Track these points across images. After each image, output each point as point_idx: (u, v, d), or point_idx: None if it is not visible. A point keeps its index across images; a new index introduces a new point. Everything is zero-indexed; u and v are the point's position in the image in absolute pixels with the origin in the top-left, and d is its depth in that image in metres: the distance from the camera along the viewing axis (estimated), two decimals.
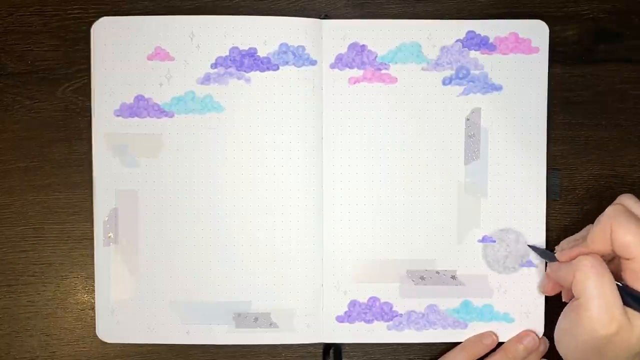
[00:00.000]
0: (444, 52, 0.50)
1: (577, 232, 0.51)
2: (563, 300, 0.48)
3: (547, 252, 0.49)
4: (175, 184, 0.51)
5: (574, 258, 0.44)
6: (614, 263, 0.44)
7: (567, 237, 0.51)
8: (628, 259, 0.41)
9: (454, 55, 0.50)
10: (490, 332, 0.51)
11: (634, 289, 0.41)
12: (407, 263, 0.51)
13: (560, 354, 0.45)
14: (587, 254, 0.43)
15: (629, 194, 0.44)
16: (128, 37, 0.50)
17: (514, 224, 0.51)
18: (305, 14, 0.51)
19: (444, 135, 0.51)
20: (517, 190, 0.51)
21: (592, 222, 0.51)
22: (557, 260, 0.46)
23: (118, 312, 0.50)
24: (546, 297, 0.51)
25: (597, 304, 0.41)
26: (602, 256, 0.43)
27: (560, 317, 0.45)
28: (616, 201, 0.45)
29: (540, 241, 0.51)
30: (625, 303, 0.41)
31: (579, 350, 0.42)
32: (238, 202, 0.50)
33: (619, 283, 0.42)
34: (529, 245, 0.50)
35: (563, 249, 0.46)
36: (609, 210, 0.43)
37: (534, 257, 0.51)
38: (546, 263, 0.49)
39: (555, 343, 0.45)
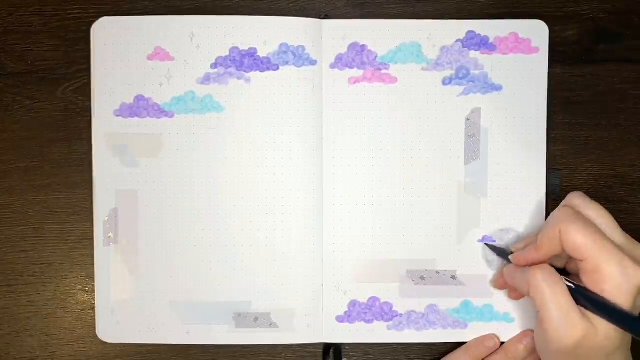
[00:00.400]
0: (444, 52, 0.50)
1: None
2: (510, 298, 0.50)
3: (504, 252, 0.49)
4: (175, 184, 0.51)
5: (527, 262, 0.44)
6: (572, 262, 0.44)
7: None
8: (581, 260, 0.41)
9: (454, 55, 0.50)
10: (493, 334, 0.51)
11: (588, 291, 0.41)
12: (407, 263, 0.51)
13: None
14: (538, 258, 0.44)
15: (579, 192, 0.44)
16: (128, 37, 0.50)
17: (514, 224, 0.51)
18: (305, 14, 0.51)
19: (444, 135, 0.51)
20: (517, 190, 0.51)
21: None
22: (512, 263, 0.46)
23: (118, 312, 0.50)
24: None
25: (556, 316, 0.41)
26: (557, 256, 0.44)
27: (534, 329, 0.45)
28: (565, 201, 0.45)
29: None
30: (582, 305, 0.41)
31: (558, 359, 0.42)
32: (238, 202, 0.50)
33: (572, 284, 0.42)
34: (485, 244, 0.50)
35: (517, 249, 0.46)
36: (557, 213, 0.43)
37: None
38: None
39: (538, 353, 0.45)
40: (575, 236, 0.41)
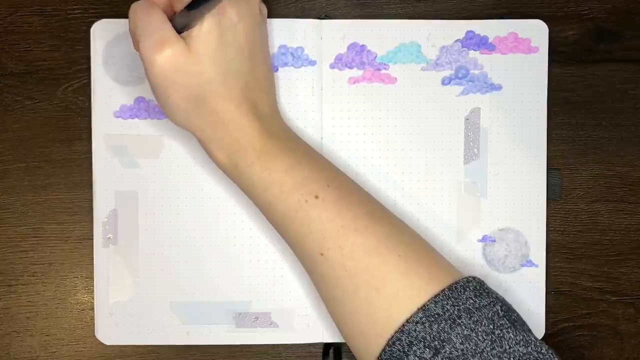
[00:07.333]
0: (444, 52, 0.50)
1: (578, 232, 0.51)
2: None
3: None
4: (175, 185, 0.51)
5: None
6: None
7: (567, 238, 0.51)
8: None
9: (454, 55, 0.50)
10: None
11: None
12: None
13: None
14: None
15: None
16: (128, 38, 0.50)
17: (514, 223, 0.51)
18: (305, 14, 0.51)
19: (443, 135, 0.51)
20: (517, 190, 0.51)
21: (593, 223, 0.51)
22: None
23: (117, 313, 0.50)
24: (547, 296, 0.50)
25: (148, 33, 0.41)
26: None
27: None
28: None
29: (540, 241, 0.51)
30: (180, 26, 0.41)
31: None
32: (238, 202, 0.50)
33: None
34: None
35: None
36: None
37: (534, 258, 0.51)
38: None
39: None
40: None
